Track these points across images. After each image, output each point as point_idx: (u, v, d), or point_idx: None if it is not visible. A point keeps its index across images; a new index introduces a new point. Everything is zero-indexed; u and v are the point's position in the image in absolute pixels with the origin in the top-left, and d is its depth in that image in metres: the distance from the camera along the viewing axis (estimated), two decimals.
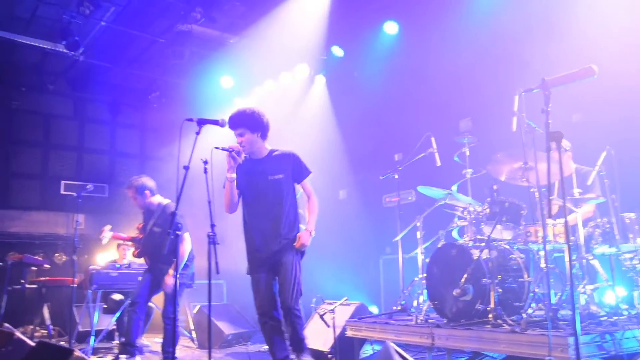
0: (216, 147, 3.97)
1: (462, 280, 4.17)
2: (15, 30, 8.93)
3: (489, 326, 3.96)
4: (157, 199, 5.78)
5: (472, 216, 4.71)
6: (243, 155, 4.17)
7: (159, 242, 5.39)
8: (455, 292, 4.19)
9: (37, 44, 9.24)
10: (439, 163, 5.36)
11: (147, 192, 5.73)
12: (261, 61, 8.95)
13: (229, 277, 8.52)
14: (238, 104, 10.29)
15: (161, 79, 10.76)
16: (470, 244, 4.56)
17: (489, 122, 6.40)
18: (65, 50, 8.71)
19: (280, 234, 4.28)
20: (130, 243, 6.27)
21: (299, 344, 4.18)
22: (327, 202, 8.35)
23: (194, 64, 9.50)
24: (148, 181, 5.79)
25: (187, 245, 5.45)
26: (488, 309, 4.05)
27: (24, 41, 9.11)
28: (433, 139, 5.40)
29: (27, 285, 8.28)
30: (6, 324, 4.24)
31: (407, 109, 7.70)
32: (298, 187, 4.48)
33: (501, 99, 6.04)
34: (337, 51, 8.65)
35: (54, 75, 10.78)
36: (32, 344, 3.47)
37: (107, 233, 5.96)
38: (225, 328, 7.09)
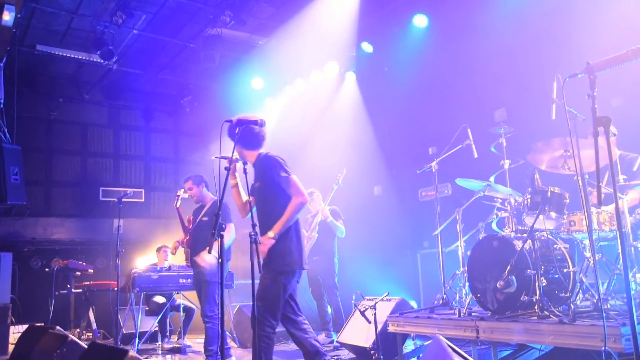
0: (216, 157, 4.02)
1: (506, 272, 4.11)
2: (52, 44, 9.20)
3: (535, 318, 3.89)
4: (210, 195, 5.95)
5: (513, 207, 4.64)
6: (240, 163, 4.20)
7: (205, 232, 5.53)
8: (499, 284, 4.13)
9: (72, 55, 9.49)
10: (476, 155, 5.29)
11: (203, 184, 5.93)
12: (291, 61, 8.99)
13: None
14: (269, 104, 10.37)
15: (193, 83, 10.90)
16: (512, 235, 4.50)
17: (524, 111, 6.31)
18: (99, 60, 8.92)
19: None
20: (174, 243, 6.39)
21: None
22: (362, 198, 8.37)
23: (224, 67, 9.61)
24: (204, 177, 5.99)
25: (230, 234, 5.50)
26: (534, 300, 3.99)
27: (61, 53, 9.38)
28: (469, 131, 5.34)
29: (73, 290, 8.50)
30: (58, 327, 4.35)
31: (439, 101, 7.63)
32: None
33: (536, 87, 5.97)
34: (367, 47, 8.62)
35: (89, 85, 11.05)
36: (85, 345, 3.56)
37: (182, 194, 6.16)
38: None
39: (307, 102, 9.59)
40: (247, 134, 4.13)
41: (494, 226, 5.21)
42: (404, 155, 8.38)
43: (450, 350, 2.08)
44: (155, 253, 8.31)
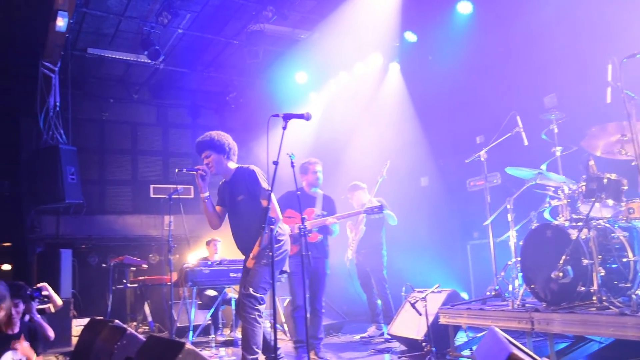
0: (181, 170, 4.33)
1: (561, 262, 4.00)
2: (102, 46, 9.50)
3: (593, 309, 3.78)
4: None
5: (567, 195, 4.50)
6: (209, 174, 4.38)
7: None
8: (554, 274, 4.02)
9: (121, 57, 9.77)
10: (526, 142, 5.16)
11: None
12: (334, 54, 8.98)
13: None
14: (314, 98, 10.39)
15: (237, 79, 11.05)
16: (567, 224, 4.37)
17: (576, 96, 6.10)
18: (147, 60, 9.14)
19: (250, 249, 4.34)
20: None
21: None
22: (408, 190, 8.29)
23: (268, 62, 9.69)
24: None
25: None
26: (591, 290, 3.87)
27: (110, 55, 9.66)
28: (519, 118, 5.21)
29: (128, 285, 8.77)
30: (116, 320, 4.50)
31: (486, 89, 7.47)
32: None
33: (587, 71, 5.76)
34: (410, 37, 8.51)
35: (137, 85, 11.35)
36: (143, 338, 3.67)
37: None
38: None
39: (351, 95, 9.55)
40: (229, 145, 4.45)
41: (546, 215, 5.07)
42: (451, 145, 8.25)
43: (506, 341, 2.04)
44: (205, 247, 8.47)
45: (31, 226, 10.14)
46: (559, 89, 6.53)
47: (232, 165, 4.50)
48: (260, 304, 4.10)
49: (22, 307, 4.07)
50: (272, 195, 4.08)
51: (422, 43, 8.56)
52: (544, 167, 4.88)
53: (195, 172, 4.35)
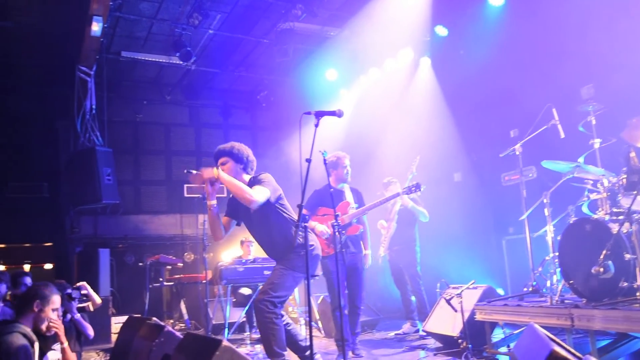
0: (189, 171, 4.16)
1: (601, 257, 3.89)
2: (135, 49, 9.68)
3: (637, 305, 3.67)
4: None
5: (606, 188, 4.39)
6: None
7: None
8: (594, 269, 3.92)
9: (154, 59, 9.93)
10: (563, 135, 5.04)
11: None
12: (364, 50, 8.95)
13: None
14: (344, 95, 10.37)
15: (268, 78, 11.11)
16: (607, 217, 4.25)
17: (614, 86, 5.93)
18: (178, 62, 9.26)
19: (276, 257, 4.32)
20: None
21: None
22: (441, 186, 8.21)
23: (298, 61, 9.72)
24: None
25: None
26: (635, 286, 3.76)
27: (143, 58, 9.83)
28: (554, 110, 5.09)
29: (164, 283, 8.93)
30: (154, 318, 4.58)
31: (520, 82, 7.33)
32: None
33: (626, 60, 5.60)
34: (441, 31, 8.40)
35: (170, 86, 11.52)
36: (180, 335, 3.73)
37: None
38: None
39: (382, 91, 9.49)
40: (248, 158, 4.37)
41: (585, 209, 4.95)
42: (484, 139, 8.13)
43: (547, 337, 2.00)
44: (240, 246, 8.55)
45: (70, 227, 10.40)
46: (597, 79, 6.36)
47: (246, 178, 4.38)
48: (276, 307, 4.04)
49: (61, 308, 4.15)
50: (270, 188, 4.15)
51: (453, 37, 8.45)
52: (581, 160, 4.76)
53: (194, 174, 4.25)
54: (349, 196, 5.65)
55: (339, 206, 5.48)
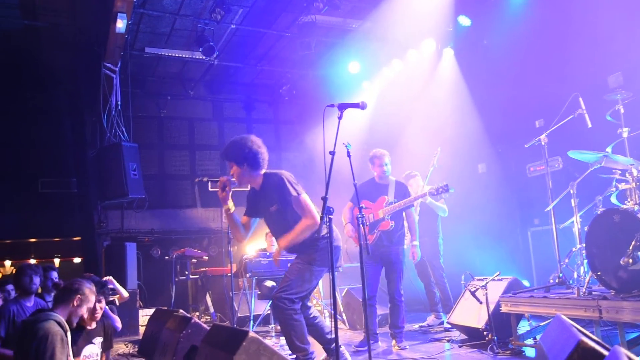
0: (201, 180, 4.06)
1: (630, 247, 3.83)
2: (158, 45, 9.78)
3: None
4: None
5: (635, 178, 4.31)
6: (231, 186, 4.09)
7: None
8: (623, 261, 3.86)
9: (177, 55, 10.02)
10: (590, 124, 4.96)
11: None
12: (386, 42, 8.90)
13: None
14: (367, 87, 10.34)
15: (290, 72, 11.12)
16: (636, 208, 4.19)
17: None
18: (201, 57, 9.32)
19: (294, 251, 4.27)
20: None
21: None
22: (465, 177, 8.15)
23: (320, 54, 9.70)
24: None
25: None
26: None
27: (167, 53, 9.93)
28: (581, 99, 5.01)
29: (190, 276, 9.05)
30: (181, 310, 4.66)
31: (545, 71, 7.23)
32: None
33: None
34: (464, 21, 8.32)
35: (193, 81, 11.62)
36: (206, 327, 3.79)
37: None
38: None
39: (404, 82, 9.44)
40: (250, 153, 4.12)
41: (613, 199, 4.87)
42: (509, 130, 8.04)
43: (574, 328, 1.99)
44: (265, 239, 8.61)
45: (98, 221, 10.60)
46: (624, 67, 6.24)
47: (260, 172, 4.22)
48: (294, 304, 3.99)
49: (104, 303, 4.24)
50: (306, 196, 4.04)
51: (476, 27, 8.36)
52: (609, 149, 4.68)
53: (216, 182, 4.25)
54: (390, 191, 5.69)
55: (377, 201, 5.62)
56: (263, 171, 4.23)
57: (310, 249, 4.08)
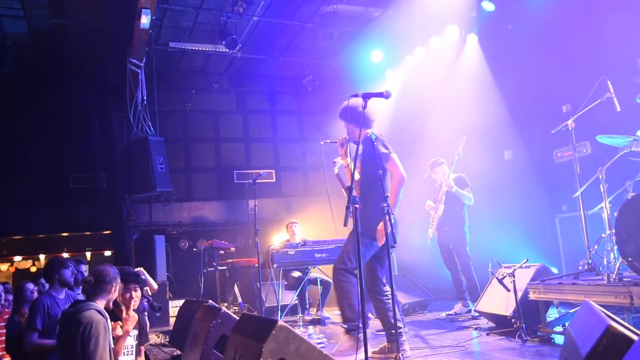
0: (325, 142, 4.51)
1: None
2: (182, 39, 9.88)
3: None
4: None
5: None
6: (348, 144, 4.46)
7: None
8: None
9: (201, 48, 10.11)
10: (619, 108, 4.86)
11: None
12: (409, 29, 8.81)
13: (397, 249, 8.63)
14: (390, 76, 10.28)
15: (313, 62, 11.12)
16: None
17: None
18: (225, 50, 9.39)
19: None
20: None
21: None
22: (491, 164, 8.08)
23: (343, 44, 9.67)
24: None
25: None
26: None
27: (190, 47, 10.03)
28: (609, 83, 4.91)
29: (218, 268, 9.17)
30: (210, 301, 4.74)
31: (572, 55, 7.09)
32: None
33: None
34: (488, 6, 8.18)
35: (217, 74, 11.71)
36: (236, 317, 3.85)
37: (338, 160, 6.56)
38: (402, 298, 7.20)
39: (428, 70, 9.35)
40: (353, 113, 4.32)
41: None
42: (535, 116, 7.93)
43: (603, 314, 1.98)
44: (286, 230, 8.66)
45: (127, 215, 10.80)
46: None
47: (365, 132, 4.43)
48: (350, 273, 4.24)
49: (139, 293, 4.34)
50: (395, 155, 4.35)
51: (500, 12, 8.23)
52: (639, 133, 4.59)
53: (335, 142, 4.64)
54: None
55: None
56: (370, 131, 4.50)
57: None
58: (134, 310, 4.20)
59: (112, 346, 3.57)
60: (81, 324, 3.25)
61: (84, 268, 5.72)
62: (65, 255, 11.33)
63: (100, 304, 3.48)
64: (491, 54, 8.60)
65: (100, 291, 3.54)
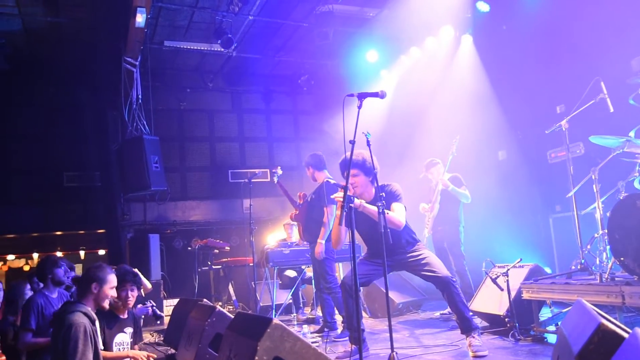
0: (329, 180, 4.56)
1: None
2: (177, 38, 9.87)
3: None
4: (325, 174, 6.09)
5: None
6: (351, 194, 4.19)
7: (313, 213, 6.00)
8: None
9: (196, 47, 10.10)
10: (612, 109, 4.89)
11: (311, 167, 6.15)
12: (404, 30, 8.85)
13: None
14: (385, 76, 10.30)
15: (308, 62, 11.13)
16: None
17: None
18: (220, 49, 9.38)
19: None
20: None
21: None
22: (485, 164, 8.12)
23: (338, 43, 9.67)
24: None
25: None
26: None
27: (185, 46, 10.02)
28: (603, 84, 4.94)
29: (212, 267, 9.16)
30: (205, 299, 4.74)
31: (566, 56, 7.13)
32: None
33: None
34: (482, 6, 8.21)
35: (212, 73, 11.69)
36: (231, 315, 3.86)
37: (278, 171, 6.67)
38: (396, 297, 7.24)
39: (423, 70, 9.38)
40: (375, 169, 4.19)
41: (636, 184, 4.82)
42: (529, 116, 7.96)
43: (595, 312, 2.00)
44: (284, 229, 8.68)
45: (122, 213, 10.78)
46: None
47: (374, 185, 4.37)
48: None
49: (136, 292, 4.33)
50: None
51: (495, 12, 8.26)
52: (632, 134, 4.63)
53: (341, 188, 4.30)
54: None
55: None
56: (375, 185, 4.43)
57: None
58: (129, 308, 4.21)
59: (101, 347, 3.56)
60: (63, 326, 3.26)
61: (73, 274, 5.68)
62: (59, 254, 11.29)
63: (87, 303, 3.47)
64: (486, 55, 8.64)
65: (82, 291, 3.53)
